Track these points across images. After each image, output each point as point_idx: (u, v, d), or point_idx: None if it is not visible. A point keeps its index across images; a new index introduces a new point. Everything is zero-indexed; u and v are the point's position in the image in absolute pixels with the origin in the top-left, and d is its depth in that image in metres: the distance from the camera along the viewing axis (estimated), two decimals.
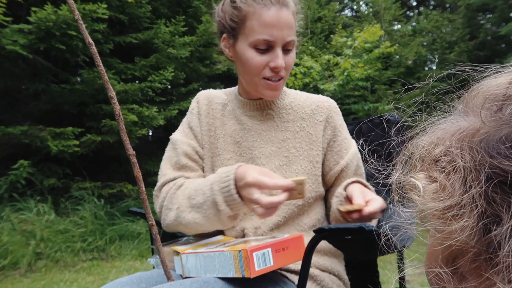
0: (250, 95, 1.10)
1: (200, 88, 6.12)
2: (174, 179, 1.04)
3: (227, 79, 7.05)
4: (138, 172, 0.78)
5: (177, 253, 0.90)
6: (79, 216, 4.18)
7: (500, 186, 0.27)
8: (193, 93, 6.09)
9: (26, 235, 3.65)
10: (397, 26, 10.49)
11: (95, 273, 3.47)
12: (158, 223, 1.25)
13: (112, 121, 4.42)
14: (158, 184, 1.07)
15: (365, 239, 0.71)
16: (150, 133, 7.10)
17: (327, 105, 1.10)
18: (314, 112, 1.08)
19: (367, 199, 0.87)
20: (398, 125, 1.32)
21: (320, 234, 0.75)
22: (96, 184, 4.61)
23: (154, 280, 0.90)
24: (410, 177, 0.35)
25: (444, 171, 0.31)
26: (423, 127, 0.37)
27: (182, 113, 5.94)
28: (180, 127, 1.16)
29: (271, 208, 0.81)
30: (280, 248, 0.75)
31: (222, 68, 6.06)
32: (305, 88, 7.44)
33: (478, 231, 0.27)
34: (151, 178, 5.41)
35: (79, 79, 4.52)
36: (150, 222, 0.78)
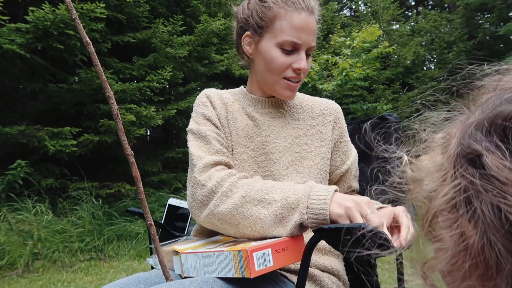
0: (263, 93, 1.13)
1: (199, 88, 6.11)
2: (220, 162, 0.96)
3: (225, 79, 7.04)
4: (136, 172, 0.77)
5: (176, 252, 0.89)
6: (76, 216, 4.16)
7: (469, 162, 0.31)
8: (191, 92, 6.08)
9: (23, 235, 3.63)
10: (395, 26, 10.50)
11: (93, 273, 3.45)
12: (156, 223, 1.24)
13: (110, 121, 4.40)
14: (199, 166, 0.94)
15: (364, 239, 0.70)
16: (148, 133, 7.09)
17: (334, 107, 1.17)
18: (324, 112, 1.14)
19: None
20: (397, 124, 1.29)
21: (319, 233, 0.74)
22: (94, 184, 4.59)
23: (153, 281, 0.89)
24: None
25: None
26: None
27: (181, 112, 5.95)
28: (195, 120, 1.08)
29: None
30: (280, 249, 0.75)
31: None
32: (303, 87, 7.44)
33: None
34: (149, 178, 5.40)
35: (76, 79, 4.50)
36: (148, 222, 0.77)
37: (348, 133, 1.19)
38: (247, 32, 1.07)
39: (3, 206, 3.83)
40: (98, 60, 0.74)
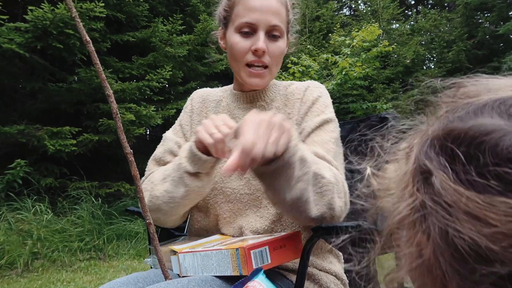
0: (243, 87, 1.11)
1: (198, 87, 6.11)
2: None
3: (225, 78, 7.04)
4: (135, 171, 0.77)
5: (174, 252, 0.89)
6: (76, 215, 4.16)
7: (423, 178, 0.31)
8: (191, 92, 6.01)
9: (23, 234, 3.63)
10: (395, 25, 10.50)
11: (93, 272, 3.45)
12: None
13: (110, 120, 4.40)
14: (143, 178, 1.08)
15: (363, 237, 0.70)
16: (148, 132, 7.09)
17: (306, 85, 1.09)
18: (293, 94, 1.08)
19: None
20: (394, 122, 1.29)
21: (317, 232, 0.74)
22: (94, 184, 4.59)
23: (151, 280, 0.89)
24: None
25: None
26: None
27: (180, 112, 5.93)
28: (173, 125, 1.18)
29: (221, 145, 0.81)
30: (277, 246, 0.75)
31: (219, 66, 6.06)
32: None
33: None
34: None
35: (76, 78, 4.49)
36: (147, 221, 0.76)
37: (323, 104, 1.05)
38: (219, 28, 1.09)
39: (2, 206, 3.83)
40: (97, 59, 0.74)
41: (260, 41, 0.97)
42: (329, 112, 1.04)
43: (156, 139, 6.81)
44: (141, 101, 5.00)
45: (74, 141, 4.18)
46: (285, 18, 1.02)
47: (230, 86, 1.18)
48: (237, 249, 0.71)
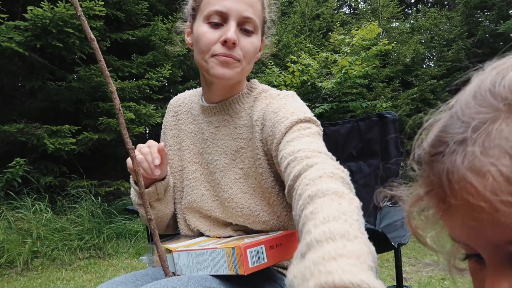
0: (210, 98, 1.01)
1: (197, 86, 6.10)
2: None
3: None
4: (136, 167, 0.77)
5: (169, 251, 0.88)
6: (76, 214, 4.16)
7: None
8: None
9: (22, 233, 3.63)
10: (395, 24, 10.48)
11: (92, 271, 3.45)
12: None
13: (110, 118, 4.39)
14: None
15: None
16: (148, 131, 7.08)
17: (268, 93, 0.97)
18: (257, 109, 0.93)
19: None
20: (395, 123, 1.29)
21: None
22: (93, 182, 4.59)
23: (150, 277, 0.88)
24: None
25: None
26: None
27: None
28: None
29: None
30: (274, 245, 0.74)
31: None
32: (303, 86, 7.43)
33: None
34: None
35: (75, 77, 4.48)
36: (148, 217, 0.76)
37: (293, 108, 0.89)
38: (187, 24, 0.99)
39: (2, 205, 3.83)
40: (101, 56, 0.74)
41: (231, 31, 0.86)
42: (301, 112, 0.87)
43: (155, 138, 6.81)
44: (140, 99, 4.99)
45: (74, 140, 4.17)
46: (260, 14, 0.93)
47: (199, 93, 1.08)
48: (233, 248, 0.70)
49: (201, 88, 1.07)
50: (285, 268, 0.91)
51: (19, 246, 3.48)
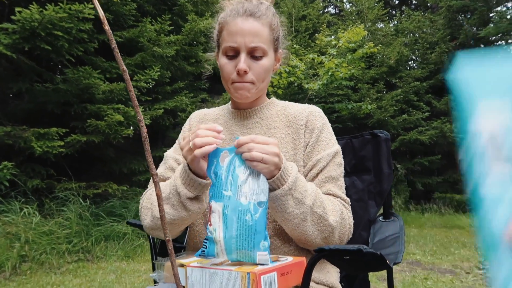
0: (239, 105, 1.18)
1: (185, 87, 6.10)
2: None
3: (212, 78, 7.05)
4: (159, 191, 0.81)
5: (181, 265, 0.92)
6: (64, 217, 4.14)
7: None
8: (179, 92, 6.07)
9: (10, 237, 3.60)
10: (380, 25, 10.66)
11: (82, 275, 3.45)
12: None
13: (98, 121, 4.38)
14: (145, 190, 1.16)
15: (363, 260, 0.76)
16: (135, 132, 7.04)
17: (308, 110, 1.14)
18: (297, 119, 1.13)
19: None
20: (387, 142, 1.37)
21: (320, 253, 0.79)
22: (81, 184, 4.57)
23: None
24: None
25: None
26: None
27: (168, 112, 5.94)
28: (174, 145, 1.23)
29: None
30: (284, 272, 0.80)
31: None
32: (289, 86, 7.49)
33: None
34: (136, 177, 5.40)
35: (63, 79, 4.43)
36: (167, 238, 0.81)
37: (329, 132, 1.13)
38: (216, 51, 1.16)
39: None
40: (131, 86, 0.78)
41: (241, 62, 1.04)
42: (335, 141, 1.13)
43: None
44: (129, 101, 4.98)
45: (62, 143, 4.15)
46: (268, 37, 1.07)
47: (228, 105, 1.24)
48: (248, 273, 0.76)
49: (224, 105, 1.26)
50: None
51: (7, 251, 3.46)
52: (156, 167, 1.02)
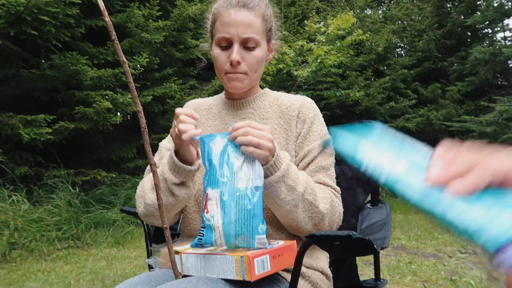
0: (232, 95, 1.19)
1: (174, 74, 6.05)
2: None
3: (198, 61, 7.00)
4: (157, 180, 0.84)
5: (177, 252, 0.96)
6: (53, 204, 4.13)
7: None
8: (167, 78, 6.03)
9: None
10: (369, 11, 10.66)
11: (72, 261, 3.47)
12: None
13: (86, 107, 4.34)
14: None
15: (352, 245, 0.80)
16: (124, 119, 7.00)
17: (300, 101, 1.17)
18: (289, 109, 1.15)
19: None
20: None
21: (312, 239, 0.83)
22: (70, 172, 4.55)
23: (161, 279, 0.97)
24: None
25: None
26: None
27: (157, 99, 5.90)
28: (168, 135, 1.24)
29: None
30: (276, 255, 0.84)
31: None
32: (278, 73, 7.49)
33: None
34: (124, 164, 5.38)
35: (50, 65, 4.37)
36: (164, 226, 0.84)
37: (320, 123, 1.15)
38: (210, 41, 1.18)
39: None
40: (131, 78, 0.80)
41: (234, 53, 1.06)
42: (326, 131, 1.15)
43: (132, 125, 6.75)
44: (117, 88, 4.93)
45: (50, 130, 4.11)
46: (261, 27, 1.09)
47: (221, 95, 1.26)
48: (242, 256, 0.80)
49: (217, 95, 1.27)
50: (283, 270, 1.01)
51: None
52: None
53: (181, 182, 0.98)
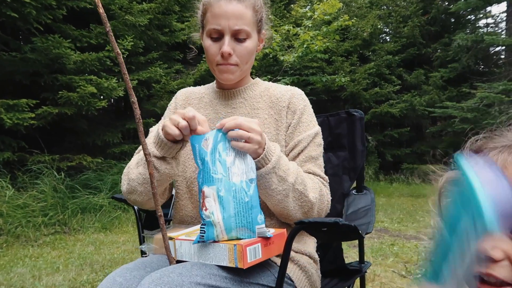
0: (223, 85, 1.20)
1: (160, 59, 5.98)
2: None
3: (186, 48, 6.92)
4: (152, 170, 0.86)
5: (170, 238, 0.98)
6: (38, 190, 4.10)
7: None
8: (153, 62, 5.95)
9: None
10: None
11: (60, 247, 3.48)
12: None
13: (70, 92, 4.28)
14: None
15: (338, 231, 0.84)
16: (109, 104, 6.90)
17: (290, 92, 1.18)
18: (279, 100, 1.17)
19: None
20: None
21: (301, 225, 0.88)
22: (54, 157, 4.50)
23: (156, 264, 0.99)
24: None
25: None
26: None
27: (142, 83, 5.84)
28: (160, 121, 1.24)
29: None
30: (268, 243, 0.89)
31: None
32: (264, 58, 7.47)
33: None
34: (110, 149, 5.35)
35: (31, 48, 4.26)
36: (159, 214, 0.87)
37: (310, 114, 1.17)
38: (200, 32, 1.19)
39: None
40: (126, 69, 0.80)
41: (225, 45, 1.07)
42: (315, 122, 1.18)
43: (117, 111, 6.67)
44: (101, 72, 4.86)
45: (33, 115, 4.05)
46: (251, 19, 1.10)
47: (212, 84, 1.27)
48: (235, 245, 0.84)
49: (208, 84, 1.28)
50: (274, 256, 1.05)
51: None
52: (136, 142, 1.05)
53: (161, 156, 0.99)
